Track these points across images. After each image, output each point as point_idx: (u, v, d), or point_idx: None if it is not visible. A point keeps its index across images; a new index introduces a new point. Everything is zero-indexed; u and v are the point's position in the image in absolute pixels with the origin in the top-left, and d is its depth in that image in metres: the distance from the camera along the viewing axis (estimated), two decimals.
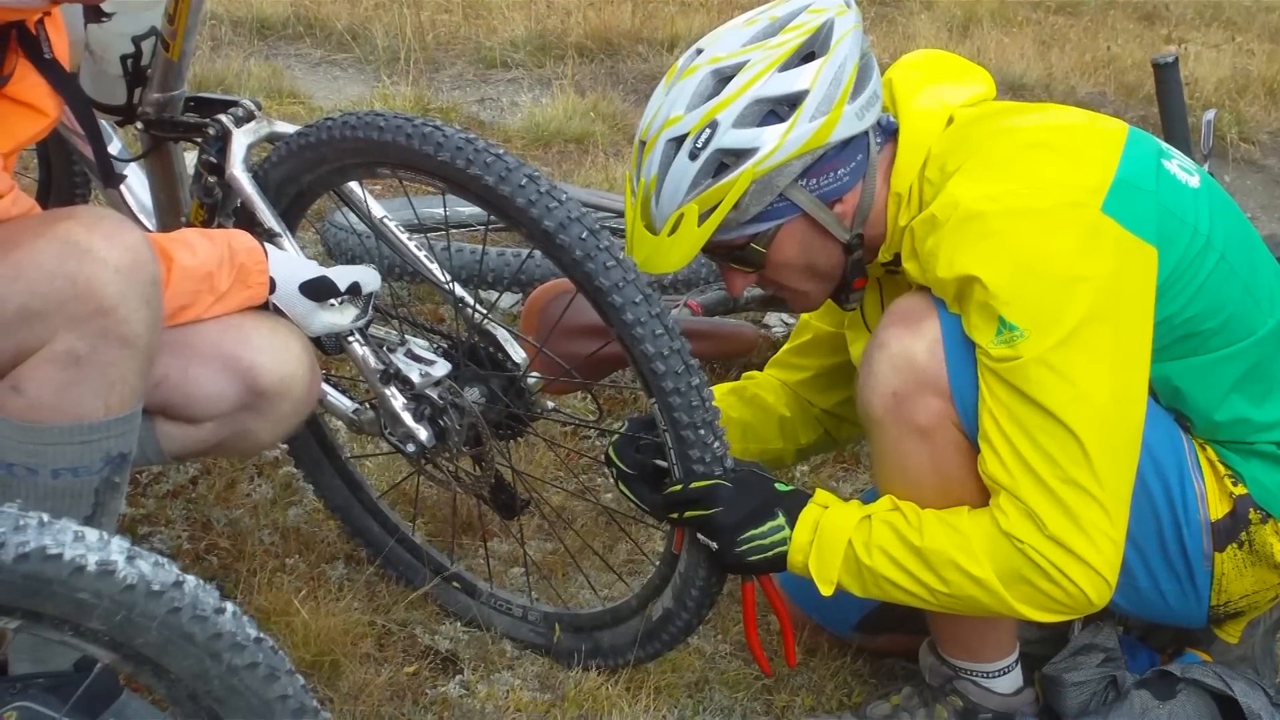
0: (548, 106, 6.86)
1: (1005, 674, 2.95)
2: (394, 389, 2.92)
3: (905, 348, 2.67)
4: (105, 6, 2.88)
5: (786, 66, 2.65)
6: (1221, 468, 2.78)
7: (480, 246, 4.49)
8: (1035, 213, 2.58)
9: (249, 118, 3.02)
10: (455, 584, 3.31)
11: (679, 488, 2.82)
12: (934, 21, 8.98)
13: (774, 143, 2.64)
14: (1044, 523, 2.56)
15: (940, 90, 2.83)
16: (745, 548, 2.79)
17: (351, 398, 3.10)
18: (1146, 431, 2.65)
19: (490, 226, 3.23)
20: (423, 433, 2.92)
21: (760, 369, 3.38)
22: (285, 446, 3.45)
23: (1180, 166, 2.76)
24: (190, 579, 1.80)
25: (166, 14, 2.94)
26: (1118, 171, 2.63)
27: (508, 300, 4.56)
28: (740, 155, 2.65)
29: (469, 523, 3.57)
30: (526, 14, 8.08)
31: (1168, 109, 4.29)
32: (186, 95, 3.12)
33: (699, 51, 2.74)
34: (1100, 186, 2.60)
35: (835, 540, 2.72)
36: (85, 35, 3.00)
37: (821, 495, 2.81)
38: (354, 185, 3.04)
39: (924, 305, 2.70)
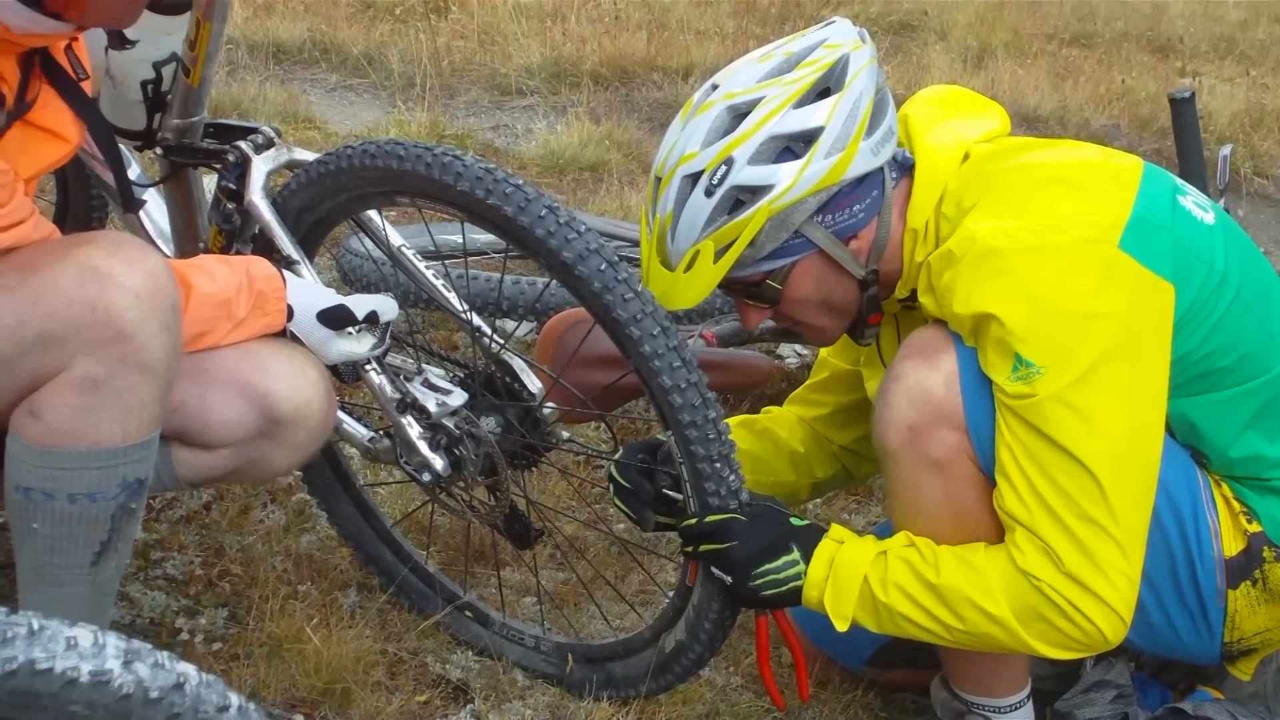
0: (562, 134, 6.88)
1: (1017, 709, 2.94)
2: (410, 418, 2.92)
3: (921, 380, 2.67)
4: (128, 33, 2.88)
5: (802, 103, 2.64)
6: (1236, 504, 2.77)
7: (495, 274, 4.51)
8: (1052, 249, 2.57)
9: (268, 144, 3.03)
10: (468, 613, 3.30)
11: (694, 521, 2.82)
12: (948, 52, 9.00)
13: (789, 180, 2.64)
14: (1060, 560, 2.55)
15: (956, 125, 2.83)
16: (759, 582, 2.78)
17: (367, 426, 3.10)
18: (1162, 468, 2.64)
19: (505, 255, 3.23)
20: (439, 462, 2.92)
21: (775, 401, 3.38)
22: (300, 474, 3.45)
23: (1195, 203, 2.75)
24: (193, 677, 1.71)
25: (188, 40, 2.95)
26: (1134, 208, 2.62)
27: (522, 329, 4.56)
28: (755, 192, 2.65)
29: (482, 551, 3.57)
30: (542, 41, 8.12)
31: (1184, 143, 4.29)
32: (206, 121, 3.13)
33: (714, 87, 2.74)
34: (1117, 223, 2.59)
35: (851, 576, 2.72)
36: (106, 61, 3.00)
37: (837, 530, 2.80)
38: (373, 213, 3.04)
39: (940, 338, 2.70)
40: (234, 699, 1.75)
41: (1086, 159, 2.81)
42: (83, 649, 1.63)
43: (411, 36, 7.95)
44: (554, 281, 2.83)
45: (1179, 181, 2.82)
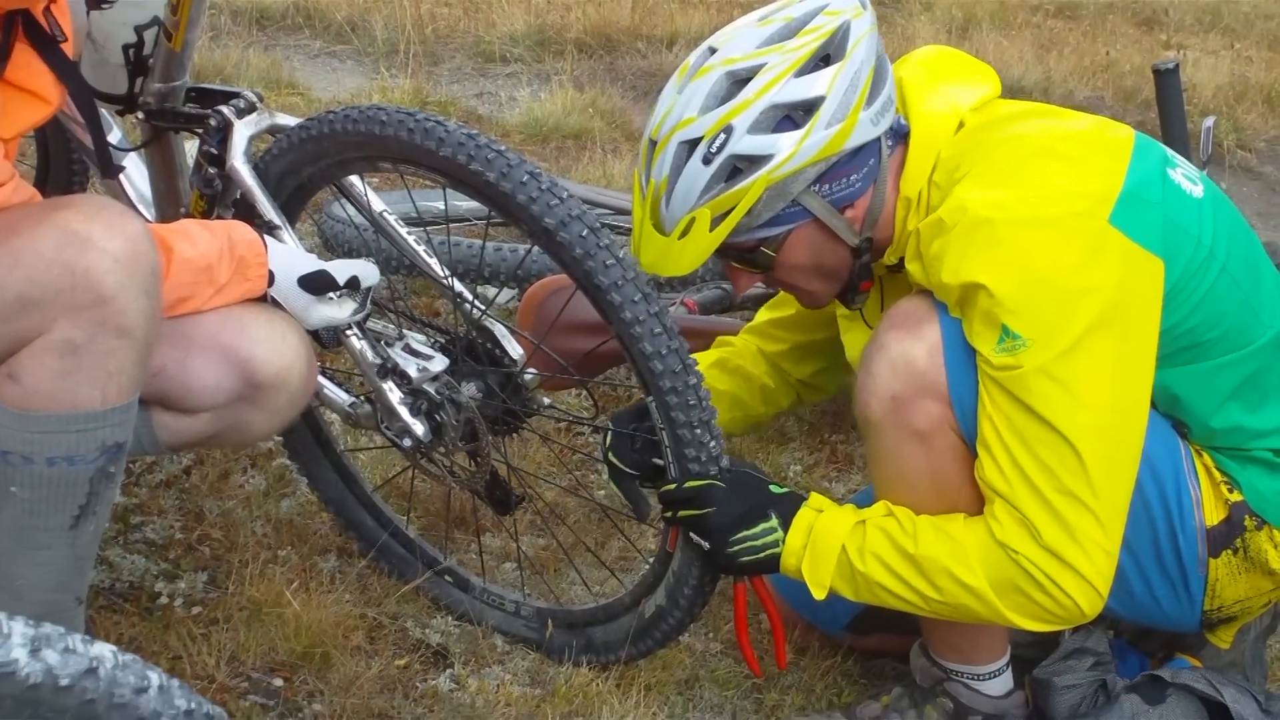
0: (546, 102, 6.86)
1: (996, 676, 2.96)
2: (391, 383, 2.92)
3: (905, 351, 2.67)
4: None
5: (803, 71, 2.62)
6: (1218, 474, 2.79)
7: (477, 241, 4.50)
8: (1043, 222, 2.57)
9: (250, 109, 3.01)
10: (448, 578, 3.31)
11: (673, 486, 2.82)
12: (933, 23, 8.99)
13: (789, 150, 2.62)
14: (1039, 533, 2.56)
15: (950, 91, 2.81)
16: (737, 549, 2.79)
17: (348, 391, 3.10)
18: (1144, 438, 2.66)
19: (487, 221, 3.23)
20: (419, 428, 2.92)
21: None
22: (280, 439, 3.45)
23: (1185, 175, 2.76)
24: (108, 659, 1.63)
25: (170, 3, 2.94)
26: (1125, 182, 2.62)
27: (504, 296, 4.56)
28: (754, 161, 2.63)
29: (462, 517, 3.57)
30: (526, 9, 8.09)
31: (1167, 115, 4.29)
32: (188, 86, 3.12)
33: (712, 51, 2.71)
34: (1108, 197, 2.59)
35: (829, 545, 2.72)
36: (87, 23, 2.99)
37: (816, 499, 2.81)
38: (354, 179, 3.03)
39: (925, 308, 2.70)
40: (154, 678, 1.69)
41: (1079, 130, 2.80)
42: None
43: (395, 3, 7.91)
44: (535, 248, 2.83)
45: (1169, 153, 2.82)
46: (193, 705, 1.73)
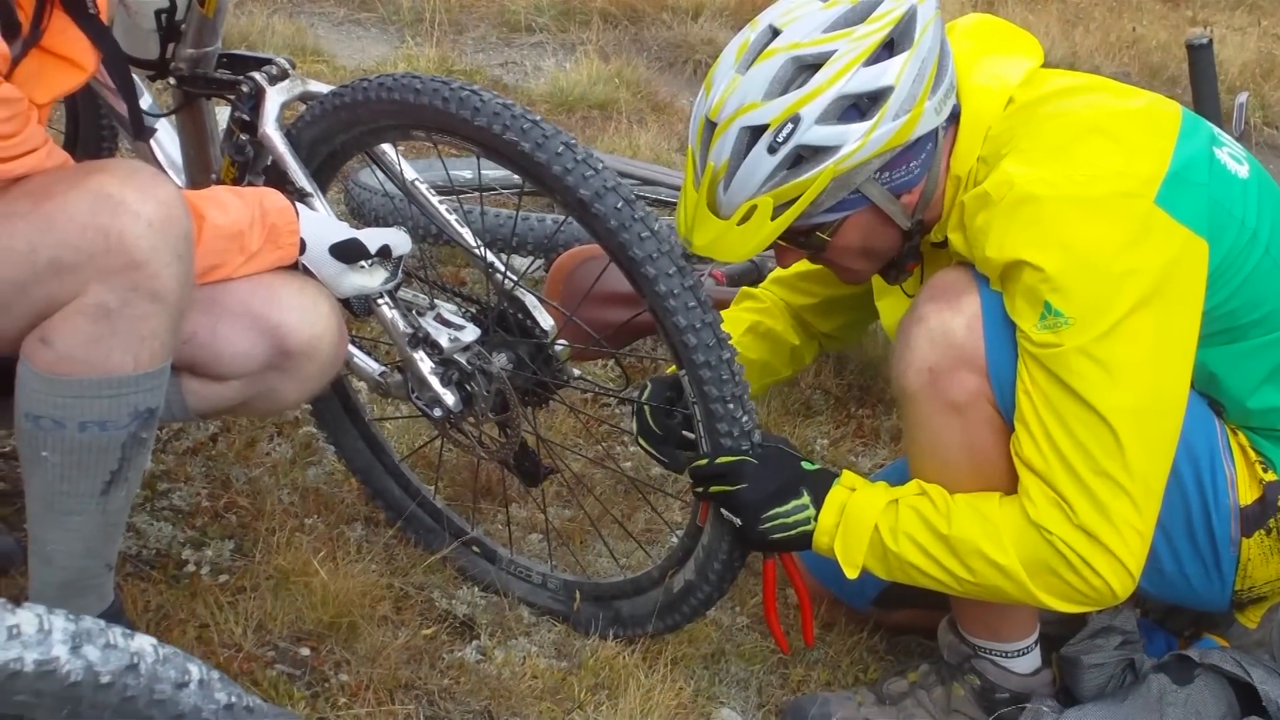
0: (571, 72, 6.85)
1: (1025, 654, 2.95)
2: (422, 353, 2.92)
3: (944, 323, 2.66)
4: None
5: (871, 60, 2.58)
6: (1253, 453, 2.78)
7: (504, 210, 4.49)
8: (1089, 201, 2.55)
9: (283, 76, 3.00)
10: (475, 549, 3.31)
11: (705, 462, 2.82)
12: None
13: (857, 141, 2.59)
14: (1074, 512, 2.56)
15: (996, 64, 2.79)
16: (768, 525, 2.79)
17: (378, 360, 3.09)
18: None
19: (521, 191, 3.22)
20: (450, 398, 2.92)
21: None
22: (308, 407, 3.44)
23: (1230, 155, 2.74)
24: (148, 654, 1.61)
25: None
26: (1172, 162, 2.60)
27: (523, 264, 4.55)
28: (821, 152, 2.60)
29: (489, 487, 3.57)
30: None
31: (1200, 91, 4.25)
32: (220, 52, 3.11)
33: (774, 31, 2.65)
34: (1155, 177, 2.57)
35: (862, 524, 2.72)
36: None
37: (849, 477, 2.80)
38: (387, 147, 3.02)
39: (965, 281, 2.69)
40: (195, 671, 1.67)
41: (1128, 108, 2.76)
42: (26, 637, 1.53)
43: None
44: (567, 219, 2.82)
45: (1216, 131, 2.80)
46: (233, 699, 1.72)
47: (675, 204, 4.82)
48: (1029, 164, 2.61)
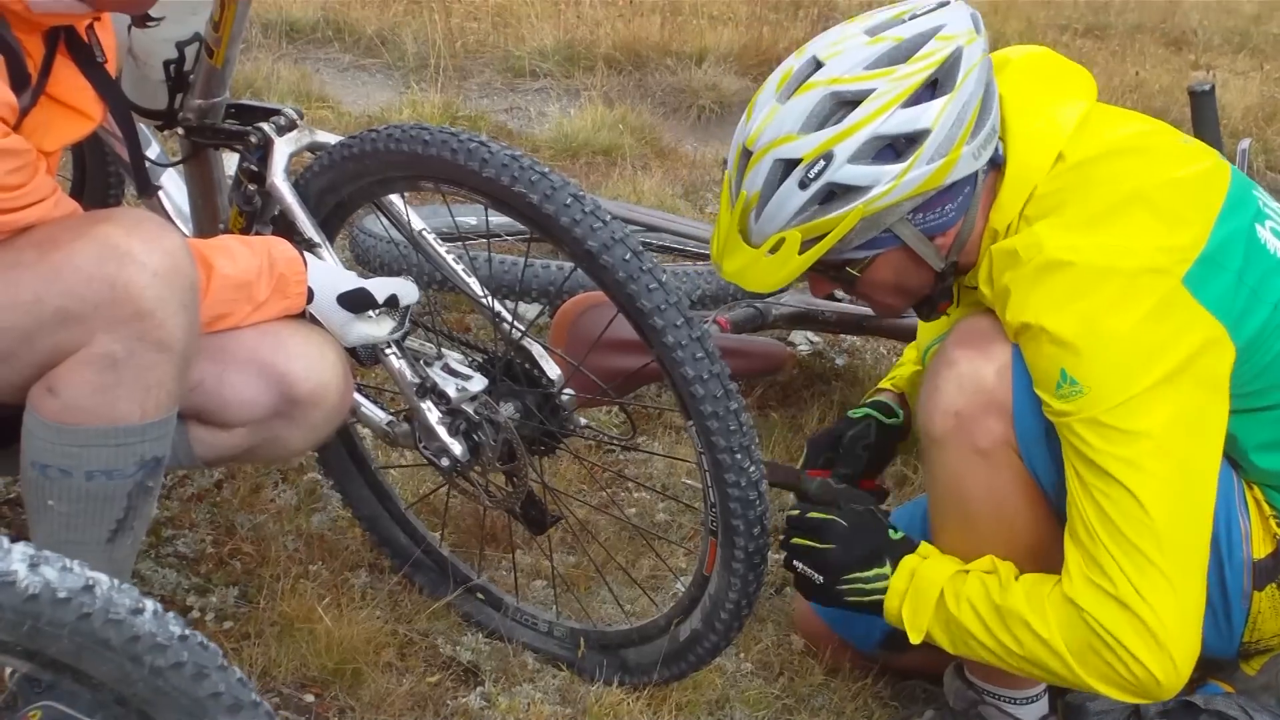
0: (576, 117, 6.88)
1: (1032, 702, 2.95)
2: (430, 403, 2.92)
3: (975, 369, 2.66)
4: (151, 11, 2.88)
5: (911, 102, 2.56)
6: (1268, 508, 2.75)
7: (509, 257, 4.50)
8: (1115, 273, 2.52)
9: (291, 126, 3.02)
10: (480, 596, 3.31)
11: (797, 512, 2.83)
12: None
13: (889, 183, 2.57)
14: (1111, 585, 2.53)
15: (1049, 108, 2.73)
16: (846, 588, 2.79)
17: (385, 409, 3.10)
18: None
19: (529, 239, 3.22)
20: (457, 447, 2.92)
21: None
22: (314, 455, 3.45)
23: (1273, 230, 2.68)
24: (104, 580, 1.70)
25: (212, 20, 2.94)
26: (1209, 241, 2.56)
27: (532, 311, 4.55)
28: (852, 191, 2.58)
29: (493, 534, 3.57)
30: (555, 24, 8.10)
31: (1203, 137, 4.25)
32: (228, 102, 3.12)
33: (817, 64, 2.63)
34: (1188, 256, 2.53)
35: (929, 589, 2.71)
36: (129, 39, 3.00)
37: (924, 546, 2.80)
38: (394, 197, 3.03)
39: (997, 329, 2.67)
40: (149, 604, 1.73)
41: (1176, 177, 2.66)
42: None
43: (425, 17, 7.92)
44: (575, 267, 2.83)
45: (1264, 204, 2.74)
46: (185, 633, 1.77)
47: (680, 250, 4.86)
48: (1064, 229, 2.57)
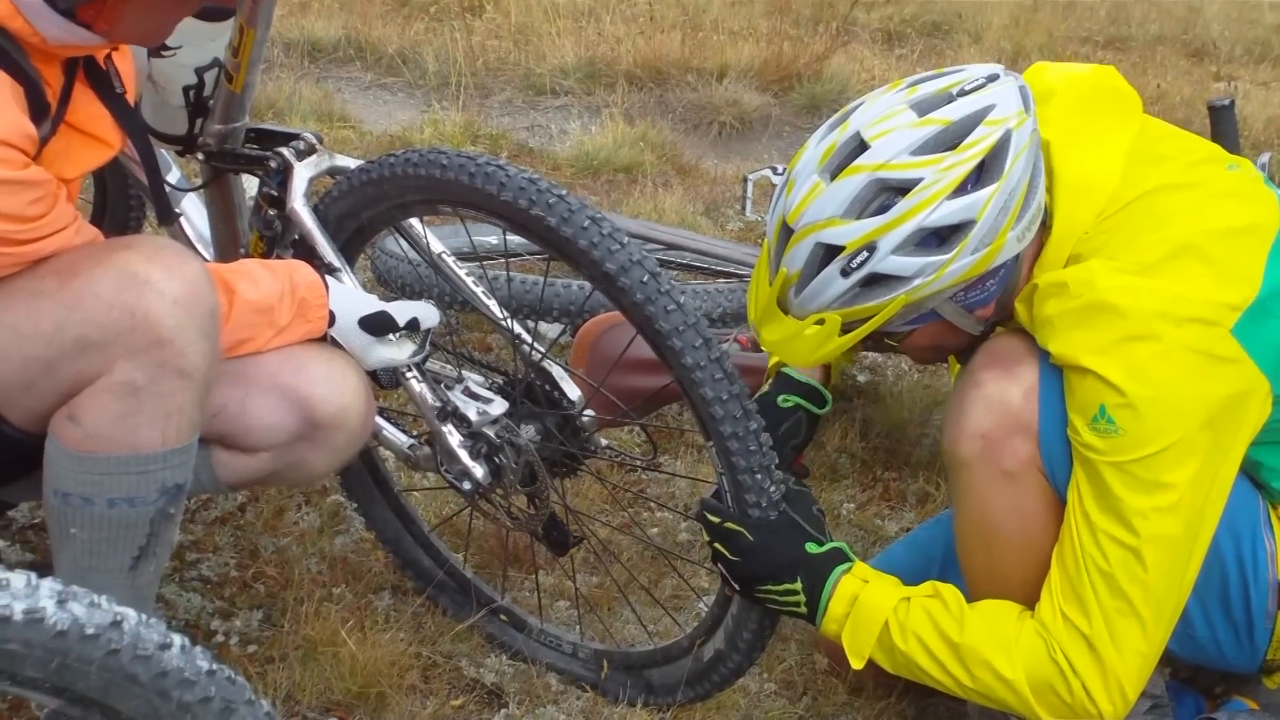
0: (597, 135, 6.88)
1: None
2: (451, 426, 2.93)
3: (1002, 391, 2.64)
4: (170, 39, 2.88)
5: (957, 193, 2.52)
6: None
7: (529, 276, 4.50)
8: (1166, 320, 2.49)
9: (310, 151, 3.02)
10: (503, 618, 3.31)
11: (717, 520, 2.83)
12: (983, 54, 8.98)
13: (932, 274, 2.55)
14: (1085, 621, 2.56)
15: (1098, 153, 2.68)
16: (761, 595, 2.82)
17: (407, 432, 3.10)
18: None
19: (547, 260, 3.22)
20: (479, 470, 2.92)
21: None
22: (337, 478, 3.45)
23: None
24: (131, 615, 1.70)
25: (230, 46, 2.94)
26: (1260, 290, 2.53)
27: (552, 330, 4.56)
28: (895, 280, 2.56)
29: (517, 555, 3.57)
30: (576, 41, 8.11)
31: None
32: (247, 127, 3.13)
33: (862, 144, 2.57)
34: (1238, 306, 2.51)
35: (872, 619, 2.72)
36: (148, 65, 3.01)
37: (860, 568, 2.79)
38: (414, 221, 3.03)
39: (1024, 349, 2.67)
40: (177, 639, 1.75)
41: (1227, 227, 2.61)
42: (15, 589, 1.64)
43: (446, 35, 7.94)
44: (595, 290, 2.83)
45: None
46: (214, 668, 1.78)
47: (700, 268, 4.86)
48: (1117, 271, 2.54)
